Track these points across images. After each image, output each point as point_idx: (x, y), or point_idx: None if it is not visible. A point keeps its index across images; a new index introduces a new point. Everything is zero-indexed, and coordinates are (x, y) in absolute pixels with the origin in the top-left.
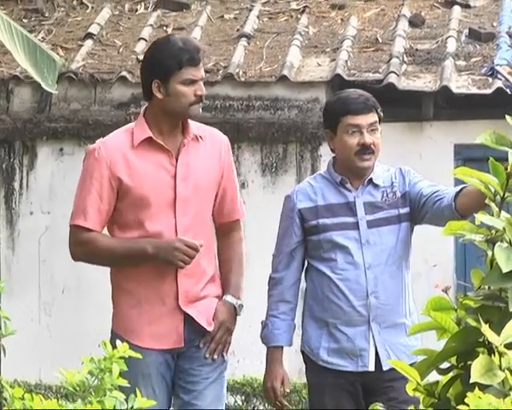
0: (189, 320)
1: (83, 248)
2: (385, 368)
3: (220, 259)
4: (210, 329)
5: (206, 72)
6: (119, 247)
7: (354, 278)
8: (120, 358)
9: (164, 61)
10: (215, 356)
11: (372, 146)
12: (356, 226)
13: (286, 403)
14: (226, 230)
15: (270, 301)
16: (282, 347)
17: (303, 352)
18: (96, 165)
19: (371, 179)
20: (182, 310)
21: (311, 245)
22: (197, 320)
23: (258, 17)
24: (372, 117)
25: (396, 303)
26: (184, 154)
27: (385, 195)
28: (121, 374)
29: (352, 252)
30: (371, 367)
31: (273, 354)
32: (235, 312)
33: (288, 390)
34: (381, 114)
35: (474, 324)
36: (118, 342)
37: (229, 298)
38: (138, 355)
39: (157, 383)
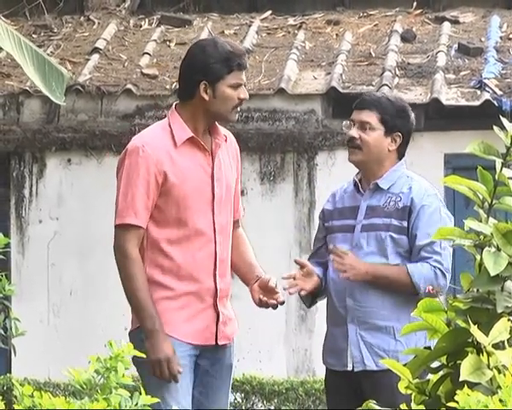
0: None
1: (128, 260)
2: (356, 369)
3: (235, 250)
4: (231, 337)
5: None
6: (142, 296)
7: (338, 280)
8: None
9: (214, 64)
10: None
11: (358, 141)
12: (352, 229)
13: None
14: (235, 226)
15: None
16: None
17: None
18: (142, 162)
19: (377, 184)
20: (216, 309)
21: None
22: (222, 323)
23: (257, 32)
24: (366, 115)
25: (378, 306)
26: (219, 154)
27: (387, 201)
28: None
29: None
30: (350, 367)
31: None
32: None
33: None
34: (395, 123)
35: (463, 325)
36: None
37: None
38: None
39: (190, 375)
